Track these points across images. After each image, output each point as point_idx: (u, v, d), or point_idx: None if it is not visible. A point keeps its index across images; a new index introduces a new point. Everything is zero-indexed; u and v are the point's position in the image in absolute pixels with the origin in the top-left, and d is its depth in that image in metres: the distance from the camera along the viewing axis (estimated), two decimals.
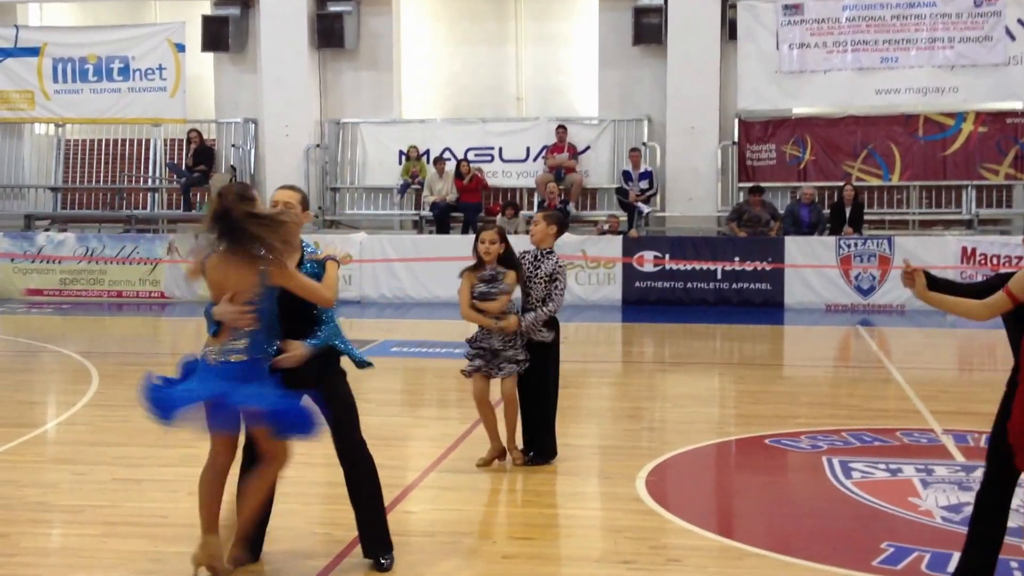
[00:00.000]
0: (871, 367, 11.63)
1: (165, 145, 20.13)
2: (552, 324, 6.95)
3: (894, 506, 6.09)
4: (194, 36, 19.16)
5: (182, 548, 5.39)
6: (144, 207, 19.99)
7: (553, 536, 5.78)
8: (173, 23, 19.27)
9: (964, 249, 15.83)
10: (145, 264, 17.81)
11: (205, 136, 19.58)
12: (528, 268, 6.94)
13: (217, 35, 19.21)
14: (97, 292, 17.91)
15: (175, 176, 19.60)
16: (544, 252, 6.99)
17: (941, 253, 15.89)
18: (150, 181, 20.16)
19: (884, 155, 17.65)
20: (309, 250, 5.04)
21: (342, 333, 5.05)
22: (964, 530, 5.58)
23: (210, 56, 19.71)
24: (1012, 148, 17.32)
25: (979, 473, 6.62)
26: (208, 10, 19.56)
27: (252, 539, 5.04)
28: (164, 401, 4.68)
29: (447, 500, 6.37)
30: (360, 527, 5.09)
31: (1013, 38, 16.73)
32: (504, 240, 6.82)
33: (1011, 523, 5.69)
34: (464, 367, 6.97)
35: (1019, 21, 16.74)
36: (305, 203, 5.07)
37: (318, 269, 4.95)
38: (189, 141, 19.45)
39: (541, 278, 6.90)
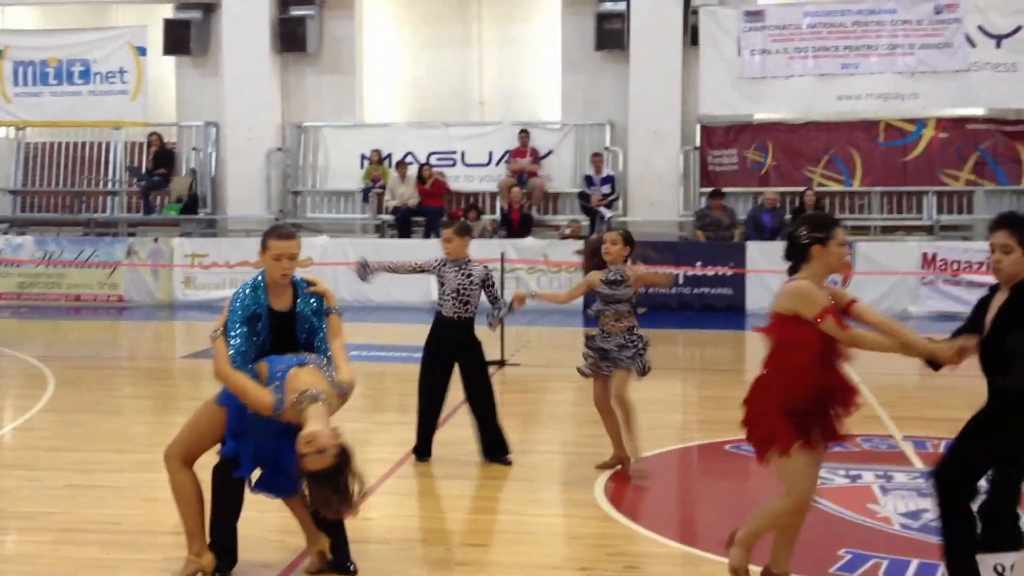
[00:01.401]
0: None
1: (125, 148, 19.98)
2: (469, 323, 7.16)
3: (853, 512, 6.11)
4: (156, 39, 19.03)
5: (135, 555, 5.38)
6: (104, 210, 19.81)
7: (510, 543, 5.74)
8: (135, 27, 19.14)
9: (925, 255, 15.98)
10: (104, 268, 17.63)
11: (166, 139, 19.43)
12: (460, 277, 7.08)
13: (179, 39, 19.09)
14: (55, 296, 17.70)
15: (135, 179, 19.43)
16: (464, 261, 7.16)
17: (902, 259, 16.03)
18: (110, 184, 19.98)
19: (845, 161, 17.81)
20: (303, 286, 5.02)
21: None
22: (922, 537, 5.63)
23: (172, 60, 19.57)
24: (972, 154, 17.54)
25: None
26: (170, 14, 19.43)
27: (228, 548, 5.03)
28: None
29: (405, 506, 6.34)
30: (337, 539, 5.07)
31: (973, 45, 16.93)
32: (628, 243, 6.91)
33: None
34: (580, 366, 7.07)
35: (979, 28, 16.94)
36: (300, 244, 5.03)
37: (316, 305, 4.99)
38: (150, 144, 19.31)
39: (475, 284, 7.12)
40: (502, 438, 7.21)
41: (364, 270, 7.33)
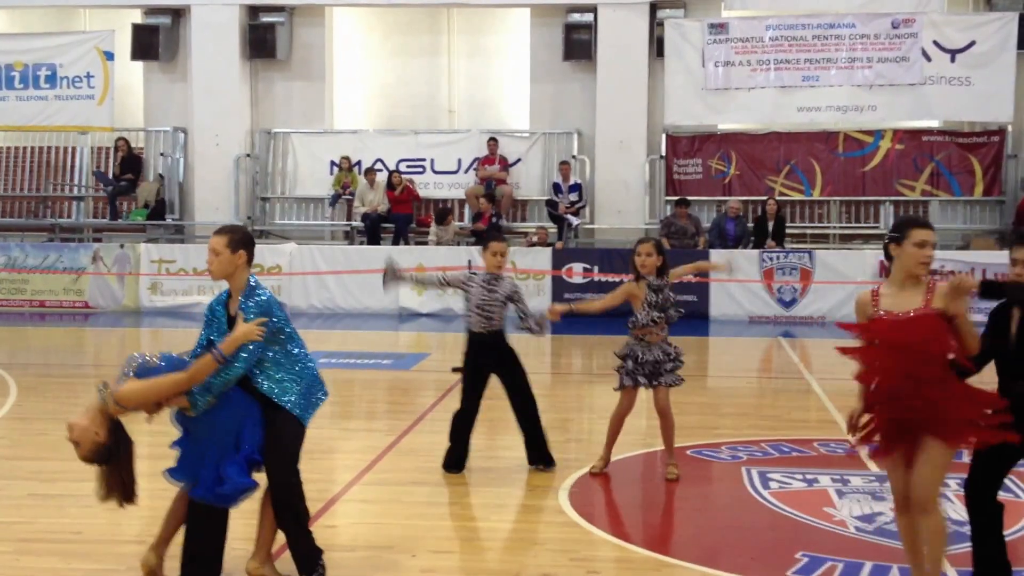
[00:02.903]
0: (792, 378, 11.87)
1: (92, 153, 19.86)
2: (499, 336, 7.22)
3: (810, 516, 6.23)
4: (124, 44, 18.96)
5: (95, 565, 5.38)
6: (69, 216, 19.68)
7: (474, 549, 5.82)
8: (103, 31, 19.08)
9: (882, 263, 16.22)
10: (69, 274, 17.53)
11: (133, 145, 19.36)
12: (483, 293, 7.09)
13: (147, 44, 19.04)
14: (19, 302, 17.58)
15: (101, 184, 19.33)
16: (494, 276, 7.17)
17: (860, 267, 16.31)
18: (76, 189, 19.85)
19: (806, 171, 18.09)
20: (257, 297, 4.93)
21: (281, 382, 5.00)
22: (877, 540, 5.77)
23: (140, 65, 19.51)
24: (928, 165, 17.89)
25: None
26: (138, 19, 19.36)
27: (198, 557, 5.04)
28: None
29: (369, 513, 6.39)
30: (291, 550, 5.14)
31: (929, 59, 17.27)
32: (660, 252, 6.95)
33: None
34: (621, 379, 7.10)
35: (935, 43, 17.29)
36: (235, 244, 4.90)
37: (255, 312, 4.91)
38: (116, 149, 19.22)
39: (499, 300, 7.11)
40: (546, 447, 7.31)
41: (391, 275, 7.29)
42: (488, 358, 7.17)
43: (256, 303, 4.87)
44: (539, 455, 7.30)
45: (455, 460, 7.18)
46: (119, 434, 4.76)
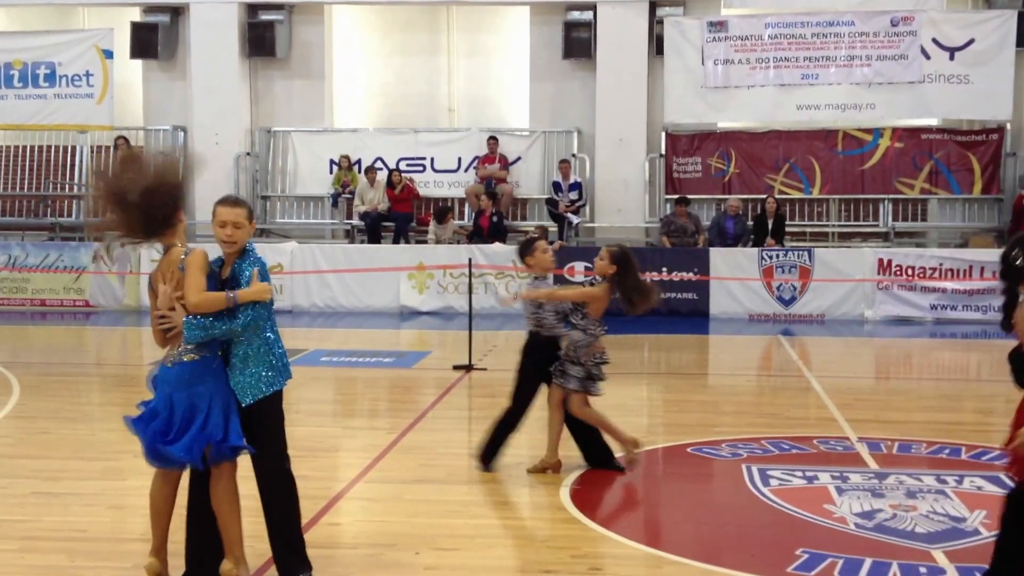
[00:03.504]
0: (791, 376, 11.90)
1: (92, 152, 19.87)
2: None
3: (809, 513, 6.26)
4: (123, 43, 18.97)
5: (101, 563, 5.39)
6: (69, 215, 19.70)
7: (476, 546, 5.83)
8: (101, 30, 19.08)
9: (880, 261, 16.32)
10: (70, 273, 17.56)
11: (133, 143, 19.36)
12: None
13: (146, 42, 19.05)
14: (20, 301, 17.60)
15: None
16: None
17: (859, 264, 16.37)
18: (76, 188, 19.87)
19: (805, 169, 18.13)
20: (256, 258, 4.97)
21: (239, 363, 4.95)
22: (876, 536, 5.81)
23: (139, 63, 19.53)
24: (926, 163, 17.93)
25: (892, 480, 6.90)
26: (137, 17, 19.37)
27: (193, 557, 5.04)
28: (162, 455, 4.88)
29: (372, 511, 6.42)
30: (273, 549, 5.09)
31: (928, 57, 17.30)
32: (615, 261, 7.15)
33: (920, 529, 5.95)
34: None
35: (934, 41, 17.32)
36: (250, 215, 5.01)
37: (248, 277, 4.93)
38: (116, 148, 19.22)
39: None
40: (606, 446, 7.30)
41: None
42: (548, 360, 7.19)
43: (260, 263, 4.95)
44: (605, 456, 7.28)
45: (488, 454, 7.20)
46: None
